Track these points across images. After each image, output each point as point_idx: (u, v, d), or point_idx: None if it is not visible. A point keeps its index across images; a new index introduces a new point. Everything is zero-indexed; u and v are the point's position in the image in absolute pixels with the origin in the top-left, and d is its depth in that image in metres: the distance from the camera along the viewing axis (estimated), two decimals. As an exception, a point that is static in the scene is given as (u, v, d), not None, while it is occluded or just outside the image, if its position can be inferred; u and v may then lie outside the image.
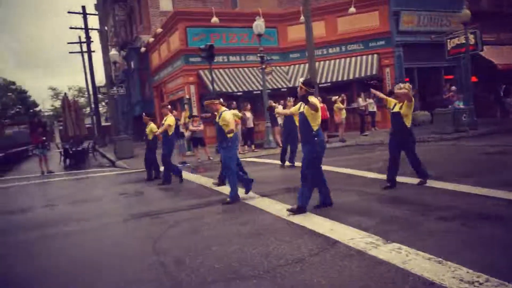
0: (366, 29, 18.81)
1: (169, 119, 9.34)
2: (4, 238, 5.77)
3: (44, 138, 13.93)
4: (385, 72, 18.67)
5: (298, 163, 10.49)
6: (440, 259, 3.57)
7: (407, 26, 18.59)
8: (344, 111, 14.89)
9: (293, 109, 6.10)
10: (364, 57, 18.76)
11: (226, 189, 7.75)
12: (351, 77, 18.22)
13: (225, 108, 7.12)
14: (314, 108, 5.38)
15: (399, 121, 6.57)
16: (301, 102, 5.59)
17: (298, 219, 5.23)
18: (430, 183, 6.71)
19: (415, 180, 6.88)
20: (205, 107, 7.51)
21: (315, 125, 5.49)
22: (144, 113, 10.49)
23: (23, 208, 7.93)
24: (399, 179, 6.81)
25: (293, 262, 3.79)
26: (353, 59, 18.99)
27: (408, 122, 6.56)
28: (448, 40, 16.74)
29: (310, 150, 5.53)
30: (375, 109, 17.53)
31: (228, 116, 6.77)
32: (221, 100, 8.55)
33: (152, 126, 9.88)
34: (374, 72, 17.84)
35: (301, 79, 5.84)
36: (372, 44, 18.86)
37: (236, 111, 9.22)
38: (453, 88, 17.14)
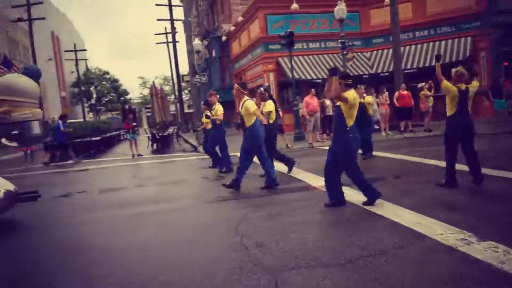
0: (459, 10, 17.32)
1: (218, 108, 9.02)
2: (104, 213, 6.36)
3: (134, 123, 15.02)
4: (480, 56, 17.11)
5: (375, 153, 10.12)
6: (545, 262, 3.23)
7: (507, 4, 16.78)
8: (431, 98, 13.96)
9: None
10: (456, 40, 17.34)
11: (307, 177, 7.74)
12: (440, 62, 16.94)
13: (248, 97, 7.09)
14: (345, 101, 5.12)
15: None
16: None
17: (381, 210, 5.05)
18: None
19: (505, 174, 6.29)
20: (234, 90, 7.54)
21: (351, 120, 5.23)
22: (202, 102, 10.68)
23: (119, 187, 8.67)
24: (487, 172, 6.26)
25: (376, 254, 3.68)
26: (443, 42, 17.66)
27: (448, 111, 5.92)
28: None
29: (346, 150, 5.29)
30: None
31: (249, 105, 6.80)
32: (264, 91, 8.33)
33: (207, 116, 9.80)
34: (466, 56, 16.42)
35: (334, 71, 5.51)
36: (466, 26, 17.35)
37: (271, 104, 8.24)
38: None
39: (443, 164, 7.79)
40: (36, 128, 26.66)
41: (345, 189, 6.40)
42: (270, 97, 8.48)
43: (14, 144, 12.68)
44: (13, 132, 12.48)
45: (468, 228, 4.14)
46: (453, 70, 5.99)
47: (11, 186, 5.95)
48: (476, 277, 3.13)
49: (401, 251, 3.73)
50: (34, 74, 6.01)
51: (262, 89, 8.57)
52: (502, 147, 9.69)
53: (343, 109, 5.22)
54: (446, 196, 5.58)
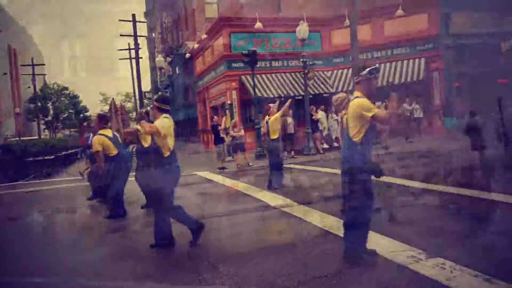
0: (414, 32, 18.12)
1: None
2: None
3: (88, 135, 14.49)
4: (432, 77, 17.93)
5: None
6: (488, 276, 3.32)
7: (458, 28, 17.76)
8: (388, 117, 14.37)
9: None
10: (411, 61, 18.10)
11: (266, 196, 7.70)
12: (396, 82, 17.62)
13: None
14: (151, 131, 4.45)
15: None
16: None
17: (338, 230, 5.06)
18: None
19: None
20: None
21: (166, 151, 4.60)
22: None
23: (67, 208, 8.34)
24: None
25: (330, 275, 3.66)
26: (399, 63, 18.38)
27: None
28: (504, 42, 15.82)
29: (160, 180, 4.62)
30: (421, 115, 16.81)
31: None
32: (145, 113, 7.44)
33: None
34: (420, 77, 17.17)
35: (156, 96, 5.23)
36: (420, 48, 18.18)
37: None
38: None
39: (397, 180, 8.02)
40: None
41: (301, 207, 6.42)
42: (143, 118, 6.67)
43: None
44: None
45: (418, 245, 4.19)
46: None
47: None
48: (424, 295, 3.17)
49: (355, 270, 3.73)
50: None
51: (142, 110, 7.82)
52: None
53: (156, 138, 4.58)
54: (401, 213, 5.69)
